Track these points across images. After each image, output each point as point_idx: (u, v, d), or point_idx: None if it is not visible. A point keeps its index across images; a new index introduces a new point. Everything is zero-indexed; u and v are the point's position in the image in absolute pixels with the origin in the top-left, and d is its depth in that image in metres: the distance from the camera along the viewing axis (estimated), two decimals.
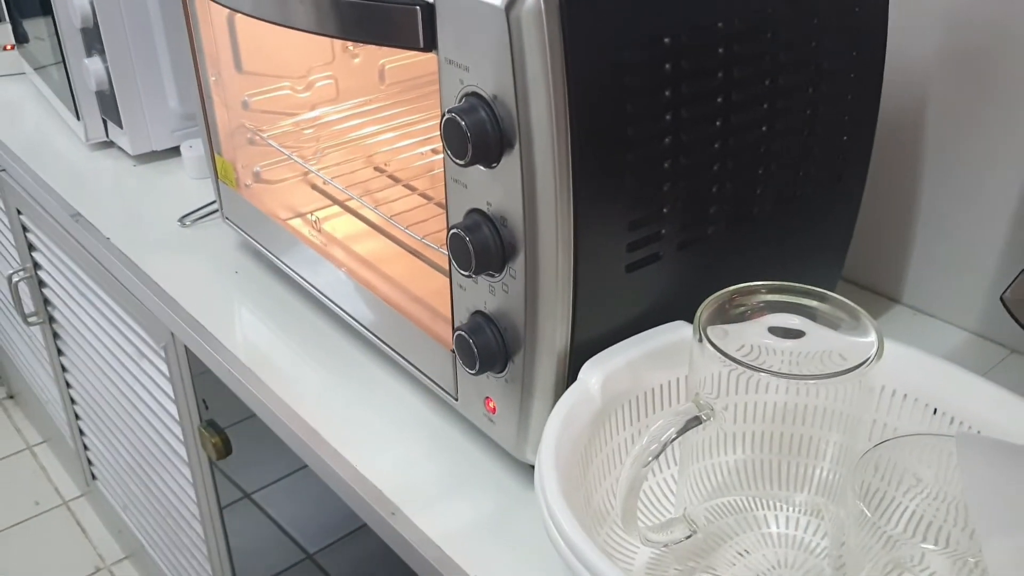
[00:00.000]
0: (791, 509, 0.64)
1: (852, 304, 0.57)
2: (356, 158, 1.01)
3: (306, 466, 0.87)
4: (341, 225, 0.94)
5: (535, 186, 0.57)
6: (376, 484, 0.71)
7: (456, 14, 0.56)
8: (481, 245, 0.61)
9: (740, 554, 0.62)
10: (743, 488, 0.63)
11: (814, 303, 0.58)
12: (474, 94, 0.57)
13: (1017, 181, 0.78)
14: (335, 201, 0.96)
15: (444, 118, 0.58)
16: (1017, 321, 0.57)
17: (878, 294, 0.91)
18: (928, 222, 0.86)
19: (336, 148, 1.00)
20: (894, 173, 0.86)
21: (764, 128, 0.65)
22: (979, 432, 0.59)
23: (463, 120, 0.57)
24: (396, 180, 0.99)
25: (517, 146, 0.56)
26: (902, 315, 0.89)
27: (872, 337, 0.55)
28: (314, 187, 0.99)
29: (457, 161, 0.59)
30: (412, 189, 0.96)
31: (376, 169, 1.01)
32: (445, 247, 0.64)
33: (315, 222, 0.91)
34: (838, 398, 0.57)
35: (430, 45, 0.59)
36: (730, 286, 0.60)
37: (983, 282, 0.83)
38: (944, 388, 0.61)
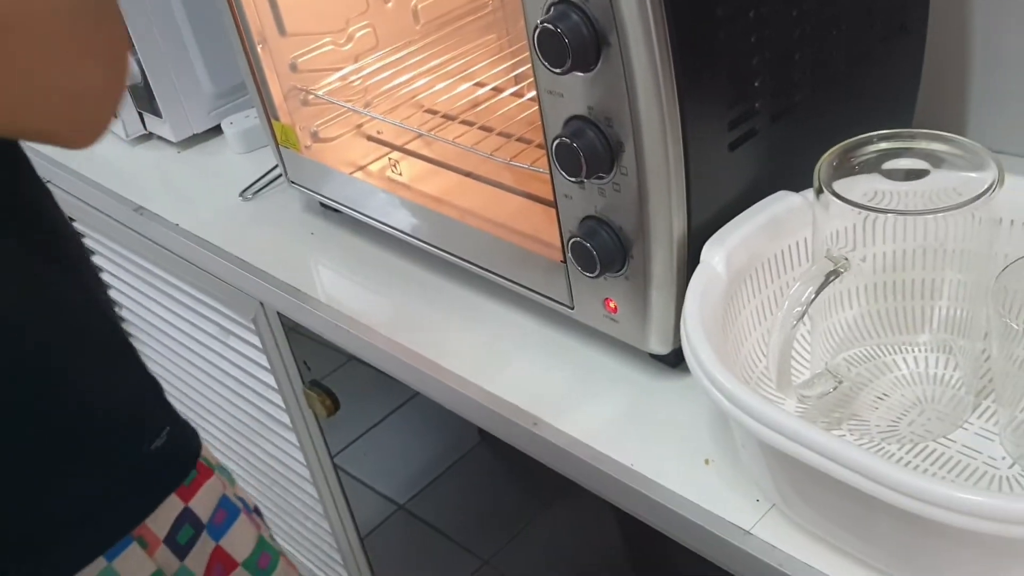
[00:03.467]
0: (917, 350, 0.66)
1: (968, 141, 0.59)
2: (405, 103, 1.02)
3: (413, 397, 0.90)
4: (407, 168, 0.96)
5: (635, 81, 0.59)
6: (510, 400, 0.74)
7: None
8: (589, 149, 0.62)
9: (879, 398, 0.65)
10: (867, 338, 0.66)
11: (928, 144, 0.59)
12: (563, 0, 0.59)
13: None
14: (394, 147, 0.98)
15: (537, 30, 0.59)
16: None
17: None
18: (988, 54, 0.85)
19: (386, 97, 1.01)
20: (947, 9, 0.86)
21: None
22: None
23: (558, 27, 0.58)
24: (450, 118, 1.00)
25: (616, 44, 0.58)
26: None
27: (991, 169, 0.57)
28: (370, 138, 1.00)
29: (555, 70, 0.60)
30: (469, 124, 0.97)
31: (428, 111, 1.02)
32: (538, 164, 0.65)
33: (394, 164, 0.92)
34: (958, 236, 0.60)
35: None
36: (817, 149, 0.62)
37: None
38: None
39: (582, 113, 0.63)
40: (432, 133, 0.89)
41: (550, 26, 0.58)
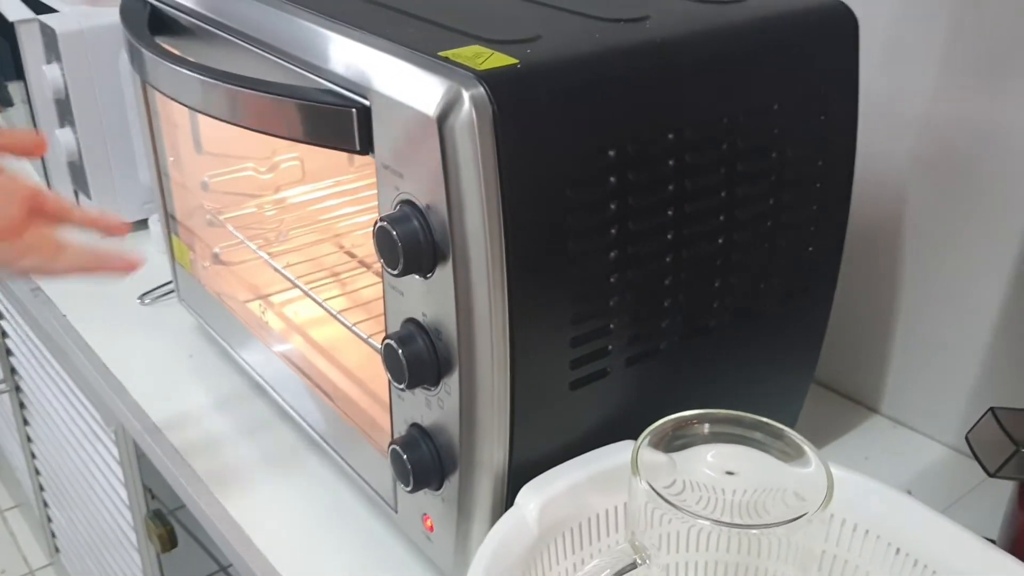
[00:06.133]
0: None
1: (805, 442, 0.53)
2: (324, 240, 0.98)
3: None
4: (304, 308, 0.91)
5: (470, 301, 0.54)
6: None
7: (390, 120, 0.54)
8: (415, 358, 0.57)
9: None
10: None
11: (765, 437, 0.54)
12: (408, 202, 0.54)
13: (995, 292, 0.75)
14: (296, 284, 0.93)
15: (376, 226, 0.55)
16: (981, 463, 0.53)
17: (856, 402, 0.87)
18: (908, 330, 0.82)
19: (302, 230, 0.97)
20: (873, 278, 0.83)
21: (720, 240, 0.62)
22: None
23: (395, 229, 0.54)
24: (366, 266, 0.96)
25: (451, 259, 0.53)
26: (880, 426, 0.85)
27: (821, 481, 0.51)
28: (276, 269, 0.96)
29: (390, 271, 0.56)
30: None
31: (346, 253, 0.98)
32: None
33: (264, 311, 0.88)
34: (795, 536, 0.53)
35: (367, 148, 0.56)
36: (686, 401, 0.57)
37: (964, 396, 0.79)
38: (907, 527, 0.57)
39: (417, 318, 0.58)
40: (309, 288, 0.84)
41: (387, 225, 0.54)
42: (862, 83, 0.66)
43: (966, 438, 0.54)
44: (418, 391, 0.60)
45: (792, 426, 0.76)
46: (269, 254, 0.95)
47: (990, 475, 0.52)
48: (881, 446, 0.82)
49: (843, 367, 0.86)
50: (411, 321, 0.58)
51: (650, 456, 0.53)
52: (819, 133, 0.64)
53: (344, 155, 0.99)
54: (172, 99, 0.69)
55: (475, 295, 0.54)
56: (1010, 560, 0.52)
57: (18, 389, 1.36)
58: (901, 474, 0.78)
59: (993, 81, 0.71)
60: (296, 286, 0.90)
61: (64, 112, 1.12)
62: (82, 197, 1.19)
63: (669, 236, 0.59)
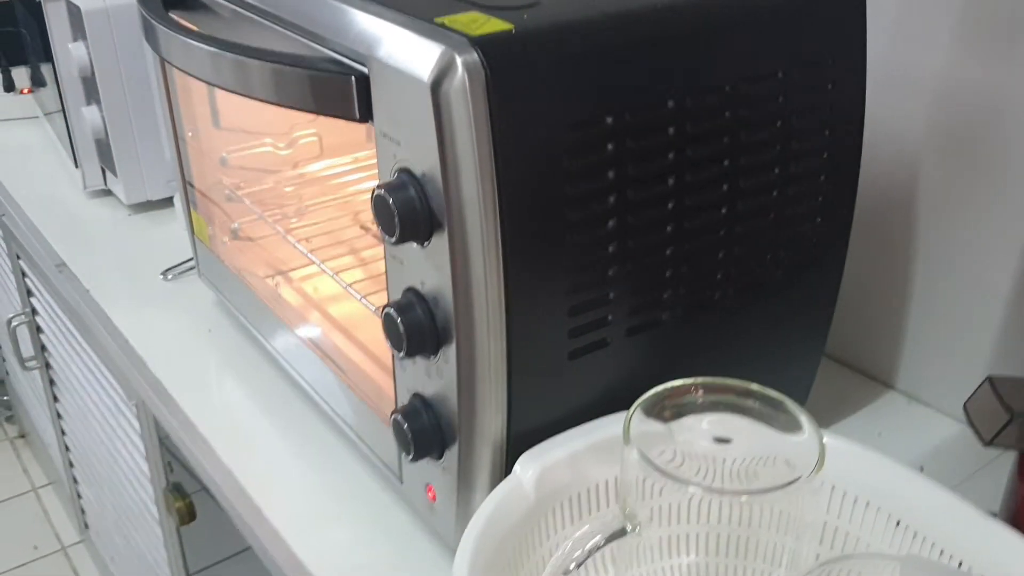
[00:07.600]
0: None
1: (799, 408, 0.53)
2: (342, 215, 0.98)
3: None
4: (321, 284, 0.92)
5: (467, 269, 0.54)
6: (311, 571, 0.67)
7: (388, 87, 0.54)
8: (413, 326, 0.57)
9: None
10: None
11: (761, 406, 0.53)
12: (405, 170, 0.55)
13: (1011, 265, 0.74)
14: (310, 258, 0.94)
15: (374, 194, 0.55)
16: (977, 433, 0.52)
17: (871, 378, 0.87)
18: (923, 305, 0.81)
19: (320, 206, 0.98)
20: (886, 251, 0.82)
21: (724, 211, 0.61)
22: (941, 552, 0.54)
23: (391, 197, 0.54)
24: (380, 240, 0.96)
25: (447, 227, 0.53)
26: (894, 402, 0.84)
27: (814, 448, 0.50)
28: (292, 243, 0.97)
29: (388, 238, 0.56)
30: None
31: (362, 228, 0.99)
32: None
33: (280, 285, 0.89)
34: (788, 503, 0.53)
35: (366, 116, 0.57)
36: (690, 374, 0.57)
37: (980, 371, 0.78)
38: (906, 498, 0.57)
39: (416, 286, 0.58)
40: (324, 263, 0.85)
41: (384, 193, 0.54)
42: (874, 52, 0.65)
43: (964, 407, 0.54)
44: (418, 360, 0.60)
45: (804, 402, 0.75)
46: (286, 229, 0.96)
47: (985, 444, 0.51)
48: (895, 422, 0.81)
49: (857, 342, 0.85)
50: (411, 290, 0.58)
51: (645, 426, 0.53)
52: (826, 102, 0.64)
53: (361, 131, 0.99)
54: (183, 71, 0.70)
55: (471, 263, 0.54)
56: (1010, 532, 0.52)
57: (48, 366, 1.38)
58: (915, 450, 0.78)
59: (1008, 49, 0.69)
60: (311, 260, 0.91)
61: (90, 90, 1.14)
62: (109, 174, 1.21)
63: (670, 206, 0.59)
